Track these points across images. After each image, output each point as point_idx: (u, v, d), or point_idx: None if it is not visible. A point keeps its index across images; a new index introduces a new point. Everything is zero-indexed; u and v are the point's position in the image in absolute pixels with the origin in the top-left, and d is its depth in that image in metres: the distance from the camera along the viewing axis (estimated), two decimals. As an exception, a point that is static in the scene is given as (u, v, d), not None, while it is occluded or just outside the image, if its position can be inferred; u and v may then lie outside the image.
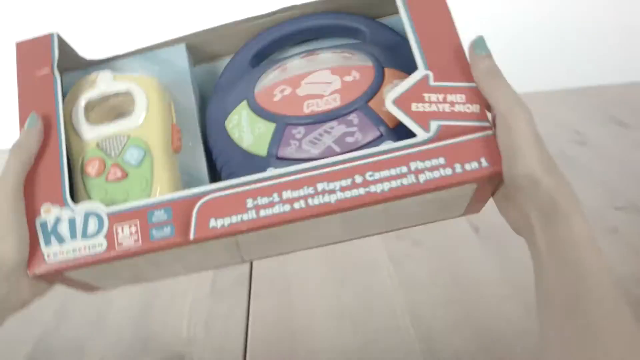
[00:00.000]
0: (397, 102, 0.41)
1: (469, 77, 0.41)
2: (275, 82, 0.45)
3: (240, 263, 0.55)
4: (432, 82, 0.41)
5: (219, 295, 0.61)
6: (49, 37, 0.47)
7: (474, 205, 0.44)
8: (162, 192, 0.42)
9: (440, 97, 0.41)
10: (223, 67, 0.54)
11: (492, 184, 0.41)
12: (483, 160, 0.39)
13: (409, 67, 0.44)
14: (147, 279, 0.49)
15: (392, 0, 0.46)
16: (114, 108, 0.47)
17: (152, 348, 0.53)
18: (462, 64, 0.42)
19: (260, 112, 0.44)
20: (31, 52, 0.47)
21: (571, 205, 0.35)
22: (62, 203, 0.41)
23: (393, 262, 0.62)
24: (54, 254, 0.40)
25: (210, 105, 0.49)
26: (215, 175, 0.48)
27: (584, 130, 0.93)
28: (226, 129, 0.46)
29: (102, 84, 0.46)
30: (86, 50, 0.50)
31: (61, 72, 0.46)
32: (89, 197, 0.42)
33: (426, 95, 0.41)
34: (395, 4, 0.45)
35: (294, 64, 0.47)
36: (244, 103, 0.46)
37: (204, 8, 1.18)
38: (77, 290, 0.46)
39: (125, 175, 0.43)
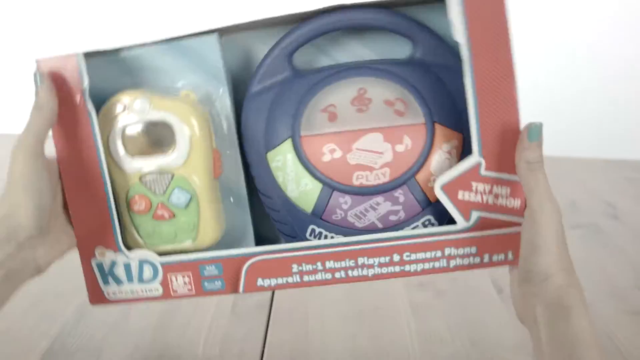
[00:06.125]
0: (445, 187, 0.42)
1: None
2: (324, 133, 0.43)
3: None
4: (482, 172, 0.41)
5: (238, 318, 0.61)
6: (75, 57, 0.42)
7: None
8: (208, 235, 0.44)
9: (487, 187, 0.42)
10: (256, 55, 0.48)
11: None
12: (510, 253, 0.43)
13: (460, 107, 0.42)
14: None
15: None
16: (152, 135, 0.44)
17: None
18: (514, 152, 0.41)
19: (308, 166, 0.43)
20: (57, 75, 0.41)
21: (578, 305, 0.37)
22: (116, 248, 0.43)
23: (413, 310, 0.63)
24: (113, 292, 0.44)
25: (247, 110, 0.45)
26: (252, 184, 0.48)
27: (617, 204, 0.90)
28: (269, 164, 0.45)
29: (139, 112, 0.42)
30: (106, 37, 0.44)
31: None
32: (137, 232, 0.44)
33: (474, 184, 0.42)
34: None
35: (344, 111, 0.43)
36: (289, 144, 0.44)
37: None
38: None
39: (172, 215, 0.44)
